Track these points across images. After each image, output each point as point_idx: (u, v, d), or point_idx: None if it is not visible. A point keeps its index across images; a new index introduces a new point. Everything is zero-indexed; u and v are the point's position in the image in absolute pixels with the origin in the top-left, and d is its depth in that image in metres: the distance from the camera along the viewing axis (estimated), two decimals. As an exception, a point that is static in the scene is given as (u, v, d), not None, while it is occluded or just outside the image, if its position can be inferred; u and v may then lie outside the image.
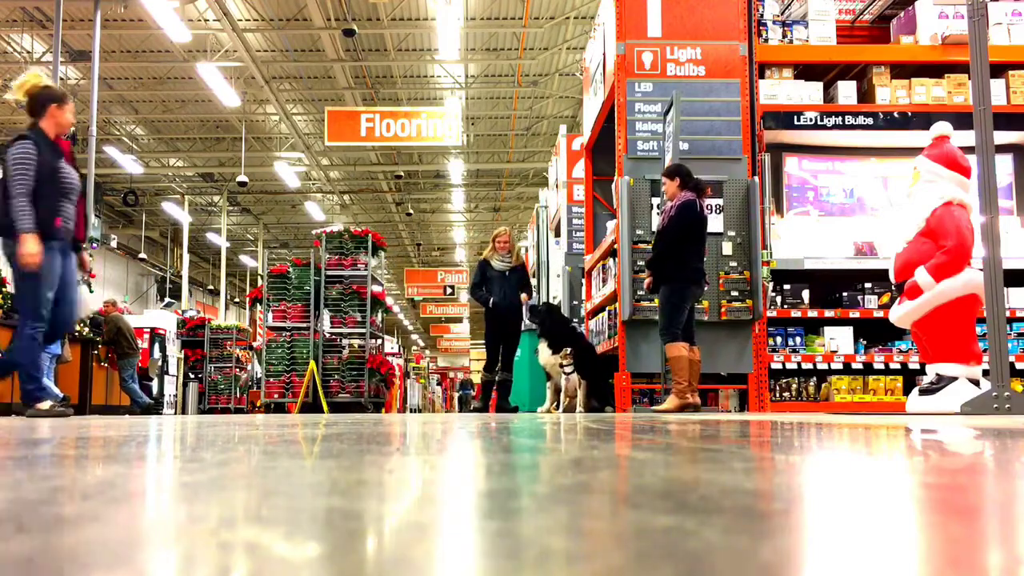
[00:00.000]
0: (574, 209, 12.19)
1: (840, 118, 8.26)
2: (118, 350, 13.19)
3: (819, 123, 8.25)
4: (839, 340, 8.15)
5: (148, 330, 16.77)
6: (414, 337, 57.34)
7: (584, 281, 10.44)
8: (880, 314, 7.84)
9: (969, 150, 5.22)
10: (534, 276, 14.94)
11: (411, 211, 28.26)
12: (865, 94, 8.51)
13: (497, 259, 9.35)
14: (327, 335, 11.83)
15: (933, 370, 5.75)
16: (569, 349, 8.17)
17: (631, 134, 7.88)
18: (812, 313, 8.19)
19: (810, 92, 8.47)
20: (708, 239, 6.95)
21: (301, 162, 24.02)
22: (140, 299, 30.60)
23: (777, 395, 8.39)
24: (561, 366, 8.18)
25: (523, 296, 9.24)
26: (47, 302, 5.59)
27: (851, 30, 9.18)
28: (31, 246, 5.40)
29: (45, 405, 5.62)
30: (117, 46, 17.83)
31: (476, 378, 39.05)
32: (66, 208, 5.69)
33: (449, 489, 1.15)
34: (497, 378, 9.39)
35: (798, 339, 8.23)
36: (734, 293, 7.66)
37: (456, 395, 40.29)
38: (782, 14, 8.74)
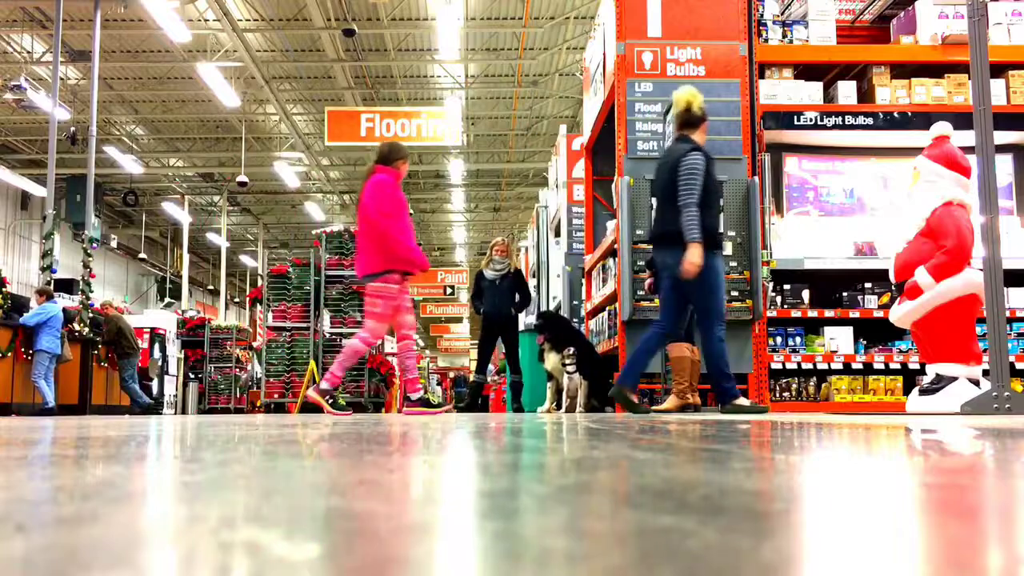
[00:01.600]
0: (574, 209, 12.18)
1: (840, 118, 8.26)
2: (118, 350, 13.19)
3: (819, 123, 8.25)
4: (839, 340, 8.15)
5: (148, 330, 16.78)
6: (414, 337, 57.26)
7: (584, 281, 10.44)
8: (880, 314, 7.84)
9: (969, 150, 5.22)
10: (534, 276, 14.93)
11: (411, 211, 28.26)
12: (865, 94, 8.50)
13: (490, 268, 9.78)
14: (327, 335, 11.83)
15: (933, 370, 5.75)
16: (572, 349, 8.17)
17: (631, 134, 7.88)
18: (812, 313, 8.19)
19: (810, 92, 8.47)
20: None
21: (301, 162, 24.02)
22: (140, 299, 30.60)
23: (777, 395, 8.38)
24: (564, 364, 8.18)
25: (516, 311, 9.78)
26: (724, 304, 5.98)
27: (851, 30, 9.18)
28: (697, 256, 5.55)
29: (744, 401, 5.82)
30: (117, 46, 17.83)
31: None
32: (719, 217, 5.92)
33: (449, 489, 1.15)
34: (510, 380, 9.96)
35: (798, 339, 8.23)
36: (734, 293, 7.65)
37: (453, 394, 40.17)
38: (782, 14, 8.73)
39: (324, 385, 6.71)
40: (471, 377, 10.84)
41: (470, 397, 10.26)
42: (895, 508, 0.94)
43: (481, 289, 9.85)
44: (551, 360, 8.35)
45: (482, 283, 9.85)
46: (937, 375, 5.70)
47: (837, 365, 8.10)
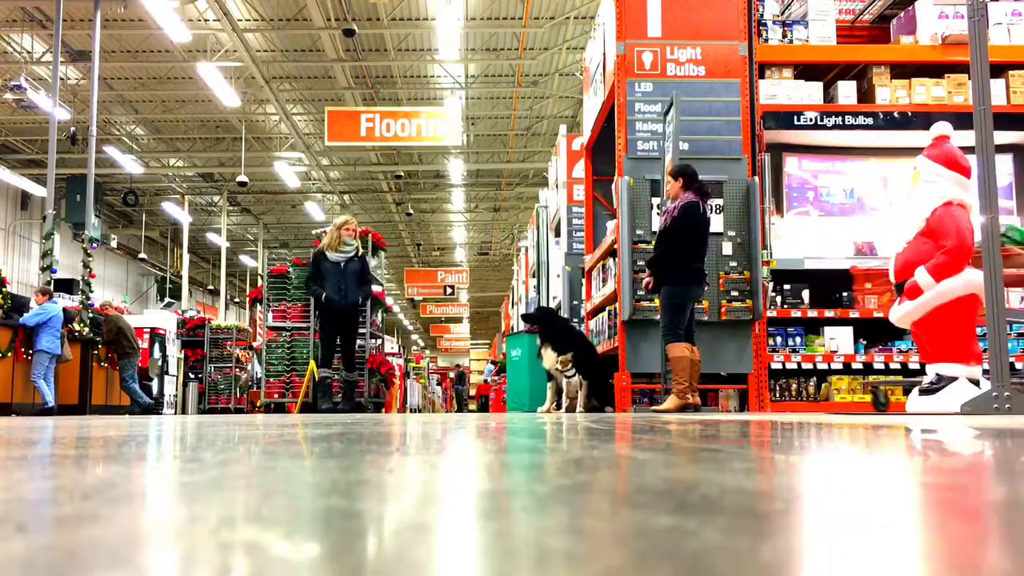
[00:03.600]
0: (574, 209, 12.19)
1: (840, 118, 8.26)
2: (118, 350, 13.18)
3: (819, 123, 8.25)
4: (839, 340, 8.14)
5: (148, 330, 16.77)
6: (414, 337, 57.32)
7: (584, 281, 10.44)
8: (880, 314, 7.84)
9: (969, 150, 5.22)
10: (533, 276, 14.93)
11: (411, 211, 28.26)
12: (865, 94, 8.50)
13: (333, 251, 8.91)
14: (327, 335, 11.81)
15: (933, 370, 5.75)
16: (571, 353, 8.16)
17: (631, 134, 7.88)
18: (812, 313, 8.19)
19: (810, 92, 8.47)
20: (708, 239, 6.95)
21: (301, 162, 24.01)
22: (140, 299, 30.60)
23: (777, 395, 8.38)
24: (562, 369, 8.17)
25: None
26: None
27: (851, 30, 9.18)
28: None
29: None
30: (117, 46, 17.83)
31: (474, 378, 39.02)
32: None
33: (449, 489, 1.15)
34: (343, 377, 9.21)
35: (798, 339, 8.23)
36: (734, 293, 7.66)
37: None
38: (782, 14, 8.74)
39: None
40: (317, 375, 9.45)
41: (320, 395, 9.17)
42: (895, 508, 0.94)
43: (321, 272, 8.86)
44: (548, 360, 8.35)
45: (324, 265, 8.86)
46: (937, 375, 5.69)
47: (837, 365, 8.09)
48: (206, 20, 16.64)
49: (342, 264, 8.89)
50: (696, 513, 0.84)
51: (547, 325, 8.53)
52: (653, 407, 6.85)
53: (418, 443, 2.34)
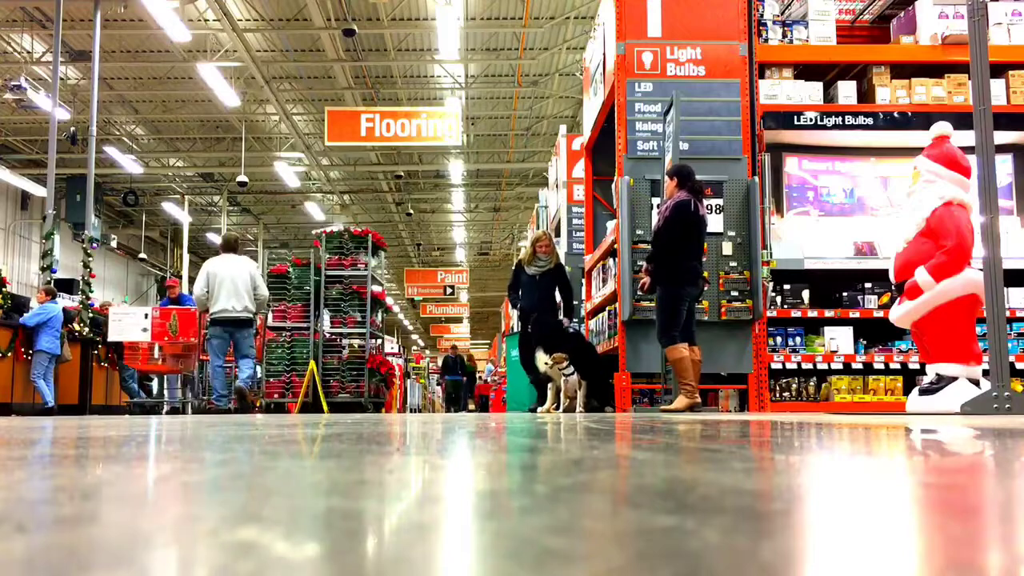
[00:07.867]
0: (574, 209, 12.18)
1: (840, 118, 8.26)
2: (118, 350, 13.17)
3: (819, 123, 8.25)
4: (839, 340, 8.14)
5: (148, 330, 16.71)
6: (414, 337, 57.30)
7: (584, 281, 10.44)
8: (880, 314, 7.84)
9: (969, 150, 5.22)
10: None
11: (411, 211, 28.25)
12: (865, 94, 8.50)
13: (533, 265, 9.10)
14: (327, 335, 11.83)
15: (933, 370, 5.75)
16: (564, 355, 8.15)
17: (631, 134, 7.88)
18: (812, 313, 8.19)
19: (810, 92, 8.47)
20: (708, 239, 6.92)
21: (301, 162, 24.00)
22: (140, 299, 30.59)
23: (777, 395, 8.38)
24: (560, 368, 8.16)
25: (564, 320, 8.96)
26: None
27: (851, 30, 9.18)
28: None
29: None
30: (117, 46, 17.82)
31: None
32: None
33: (449, 489, 1.15)
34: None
35: (798, 339, 8.22)
36: (734, 293, 7.65)
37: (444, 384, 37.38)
38: (782, 14, 8.73)
39: None
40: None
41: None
42: (895, 508, 0.94)
43: (520, 284, 9.16)
44: (540, 361, 8.33)
45: (522, 277, 9.16)
46: (937, 375, 5.69)
47: (837, 365, 8.09)
48: (206, 20, 16.63)
49: (537, 277, 9.13)
50: (696, 513, 0.84)
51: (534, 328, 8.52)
52: (663, 407, 6.79)
53: (419, 444, 2.34)
